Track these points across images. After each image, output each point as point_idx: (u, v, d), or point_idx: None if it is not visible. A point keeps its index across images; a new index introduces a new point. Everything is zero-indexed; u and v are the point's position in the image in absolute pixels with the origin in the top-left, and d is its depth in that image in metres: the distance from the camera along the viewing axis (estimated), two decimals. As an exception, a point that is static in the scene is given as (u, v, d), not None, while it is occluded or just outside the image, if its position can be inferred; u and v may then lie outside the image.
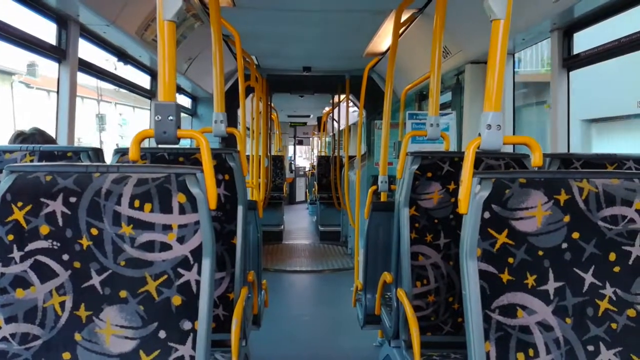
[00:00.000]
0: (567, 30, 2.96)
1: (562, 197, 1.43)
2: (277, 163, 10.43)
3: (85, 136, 20.17)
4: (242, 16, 4.42)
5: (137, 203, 1.41)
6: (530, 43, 3.57)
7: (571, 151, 3.00)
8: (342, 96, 7.71)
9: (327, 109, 10.75)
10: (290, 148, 17.96)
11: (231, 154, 2.25)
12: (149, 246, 1.41)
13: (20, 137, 2.52)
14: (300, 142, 18.26)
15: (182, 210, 1.41)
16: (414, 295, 2.27)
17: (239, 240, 2.22)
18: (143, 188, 1.42)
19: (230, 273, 2.23)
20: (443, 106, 4.88)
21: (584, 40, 2.96)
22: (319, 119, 13.29)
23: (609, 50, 2.74)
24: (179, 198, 1.41)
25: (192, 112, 6.82)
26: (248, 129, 7.04)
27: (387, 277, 2.53)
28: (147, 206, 1.41)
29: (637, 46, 2.54)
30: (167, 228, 1.41)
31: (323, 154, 13.22)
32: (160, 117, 1.47)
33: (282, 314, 4.79)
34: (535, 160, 1.51)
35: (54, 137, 2.79)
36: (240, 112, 4.18)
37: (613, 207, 1.43)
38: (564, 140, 2.96)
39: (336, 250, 8.08)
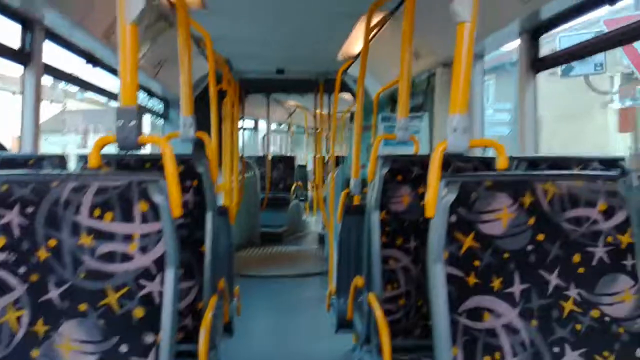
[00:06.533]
0: (534, 32, 3.00)
1: (527, 199, 1.44)
2: (288, 163, 10.40)
3: None
4: (214, 18, 4.38)
5: (97, 212, 1.37)
6: (500, 45, 3.61)
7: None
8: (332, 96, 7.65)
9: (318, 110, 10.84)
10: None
11: (199, 160, 2.22)
12: (109, 257, 1.37)
13: None
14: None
15: (144, 219, 1.38)
16: (385, 299, 2.27)
17: (207, 248, 2.18)
18: (104, 196, 1.38)
19: (199, 282, 2.19)
20: (415, 109, 4.90)
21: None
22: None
23: (573, 53, 2.79)
24: (140, 206, 1.38)
25: (164, 116, 6.72)
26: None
27: (358, 281, 2.52)
28: (108, 215, 1.37)
29: (599, 49, 2.59)
30: (128, 238, 1.37)
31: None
32: (122, 122, 1.43)
33: (257, 321, 4.74)
34: (500, 163, 1.52)
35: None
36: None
37: (577, 208, 1.45)
38: (531, 142, 3.00)
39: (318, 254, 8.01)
